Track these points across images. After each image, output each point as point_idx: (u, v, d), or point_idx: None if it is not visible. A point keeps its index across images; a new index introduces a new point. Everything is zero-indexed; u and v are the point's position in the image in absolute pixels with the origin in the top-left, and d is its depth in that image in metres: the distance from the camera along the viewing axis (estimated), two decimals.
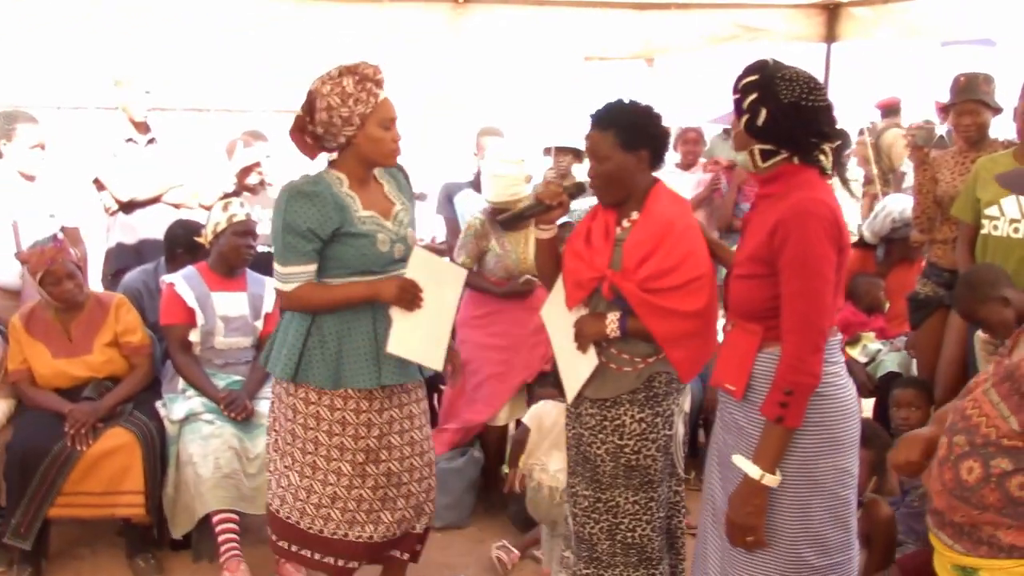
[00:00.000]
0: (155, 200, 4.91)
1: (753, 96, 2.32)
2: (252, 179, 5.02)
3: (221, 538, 3.59)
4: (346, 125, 2.75)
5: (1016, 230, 3.65)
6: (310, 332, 2.85)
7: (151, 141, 4.99)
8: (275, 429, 2.98)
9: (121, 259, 4.89)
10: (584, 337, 2.80)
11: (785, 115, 2.31)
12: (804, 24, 5.27)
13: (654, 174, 2.85)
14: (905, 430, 3.72)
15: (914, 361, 4.47)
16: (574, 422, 2.92)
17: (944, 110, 4.22)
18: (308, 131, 2.83)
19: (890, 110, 8.40)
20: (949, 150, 4.21)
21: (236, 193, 4.86)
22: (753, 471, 2.32)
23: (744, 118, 2.35)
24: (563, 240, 2.97)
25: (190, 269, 3.99)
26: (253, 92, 9.69)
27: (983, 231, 3.76)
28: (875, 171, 7.77)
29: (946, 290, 4.07)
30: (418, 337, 2.88)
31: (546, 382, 4.14)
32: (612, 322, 2.75)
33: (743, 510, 2.34)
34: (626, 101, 2.80)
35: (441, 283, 2.90)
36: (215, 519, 3.60)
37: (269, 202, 5.02)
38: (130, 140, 4.94)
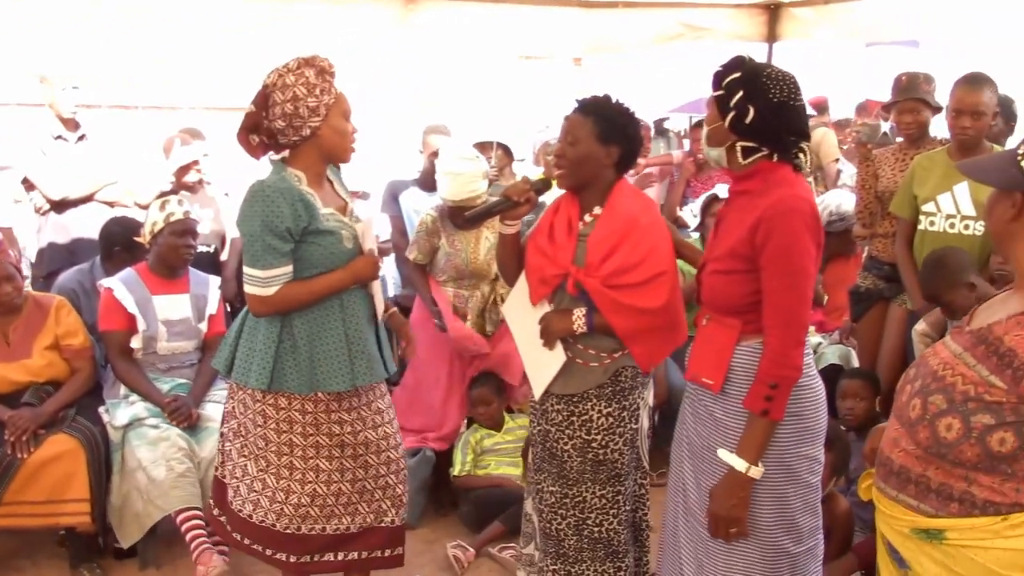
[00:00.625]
0: (88, 199, 4.76)
1: (740, 94, 2.34)
2: (191, 177, 4.91)
3: (189, 535, 3.50)
4: (312, 116, 2.68)
5: (952, 226, 3.77)
6: (281, 338, 2.77)
7: (82, 138, 4.84)
8: (241, 435, 2.89)
9: (54, 260, 4.73)
10: (551, 334, 2.80)
11: (773, 114, 2.34)
12: (747, 23, 5.37)
13: None
14: (851, 420, 3.83)
15: (854, 353, 4.58)
16: (540, 418, 2.92)
17: (886, 108, 4.33)
18: (263, 128, 2.73)
19: (818, 108, 8.59)
20: (890, 147, 4.33)
21: (173, 191, 4.74)
22: (739, 464, 2.35)
23: (730, 115, 2.37)
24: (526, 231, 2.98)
25: (129, 272, 3.87)
26: (184, 89, 9.48)
27: (920, 227, 3.87)
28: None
29: (886, 283, 4.18)
30: (379, 293, 2.97)
31: (481, 383, 4.16)
32: (579, 318, 2.76)
33: (728, 503, 2.38)
34: (613, 98, 2.82)
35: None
36: (180, 518, 3.51)
37: (207, 201, 4.95)
38: (59, 137, 4.77)
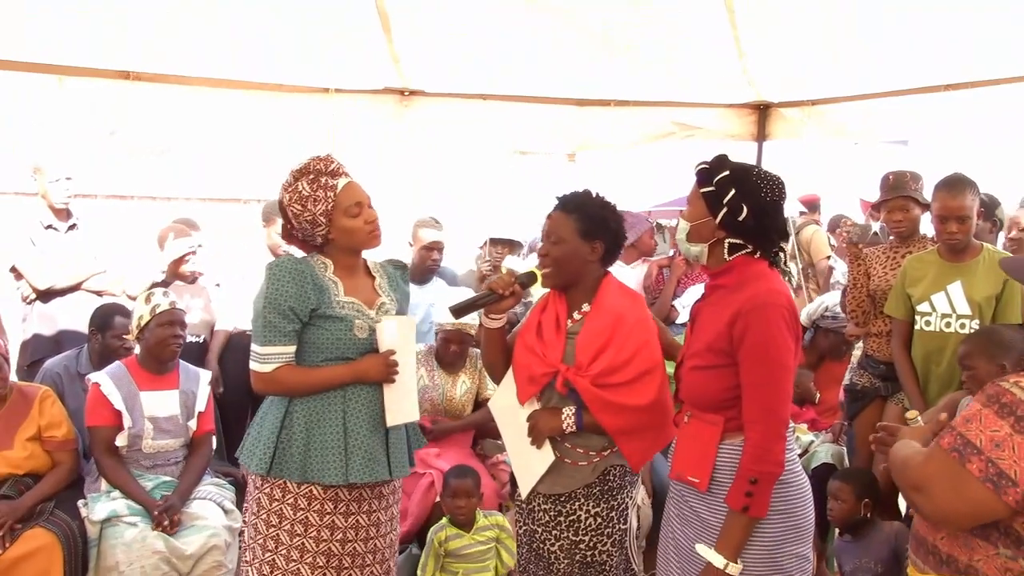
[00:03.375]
0: (75, 288, 4.74)
1: (732, 192, 2.37)
2: (188, 266, 4.90)
3: None
4: (315, 227, 2.74)
5: (948, 325, 3.76)
6: (283, 424, 2.75)
7: (72, 227, 4.84)
8: (245, 521, 2.89)
9: (38, 350, 4.68)
10: (540, 433, 2.76)
11: (764, 213, 2.38)
12: (737, 123, 5.46)
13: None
14: (830, 520, 3.76)
15: (845, 453, 4.52)
16: (526, 518, 2.87)
17: (875, 207, 4.37)
18: (295, 237, 2.84)
19: (810, 206, 8.71)
20: (881, 245, 4.34)
21: (165, 283, 4.74)
22: (718, 560, 2.31)
23: (722, 212, 2.38)
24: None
25: (117, 366, 3.82)
26: (180, 180, 9.59)
27: (916, 327, 3.86)
28: (798, 266, 8.00)
29: (882, 381, 4.15)
30: (404, 397, 2.85)
31: (464, 475, 4.04)
32: (568, 417, 2.73)
33: None
34: (593, 193, 2.84)
35: (405, 341, 2.86)
36: None
37: (198, 291, 4.93)
38: (50, 227, 4.77)
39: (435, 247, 5.09)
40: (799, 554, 2.39)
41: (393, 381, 2.79)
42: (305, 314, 2.71)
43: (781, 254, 2.45)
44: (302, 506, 2.76)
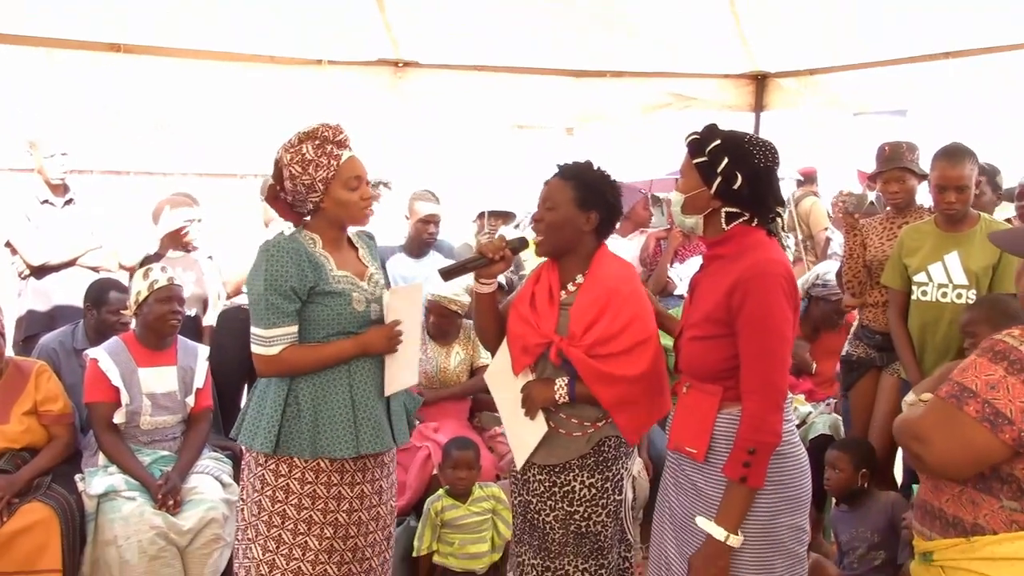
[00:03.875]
0: (70, 263, 4.73)
1: (726, 160, 2.35)
2: (188, 236, 4.89)
3: None
4: (311, 192, 2.73)
5: (944, 295, 3.75)
6: (287, 402, 2.75)
7: (68, 202, 4.82)
8: (243, 499, 2.88)
9: (33, 326, 4.67)
10: (533, 403, 2.76)
11: (759, 179, 2.36)
12: (734, 93, 5.43)
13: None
14: (829, 489, 3.77)
15: (841, 423, 4.53)
16: (520, 489, 2.87)
17: (872, 178, 4.35)
18: (280, 199, 2.81)
19: (808, 179, 8.69)
20: (877, 216, 4.33)
21: (159, 255, 4.73)
22: (718, 532, 2.30)
23: (717, 182, 2.37)
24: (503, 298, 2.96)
25: (115, 341, 3.81)
26: (177, 155, 9.54)
27: (913, 297, 3.86)
28: (797, 237, 8.00)
29: (878, 352, 4.15)
30: (404, 366, 2.87)
31: (464, 447, 4.05)
32: (561, 388, 2.72)
33: (707, 572, 2.32)
34: (594, 165, 2.82)
35: (413, 308, 2.88)
36: None
37: (190, 264, 4.92)
38: (46, 202, 4.75)
39: (431, 220, 5.08)
40: (795, 525, 2.39)
41: (394, 351, 2.80)
42: (305, 292, 2.70)
43: (779, 220, 2.43)
44: (309, 479, 2.77)
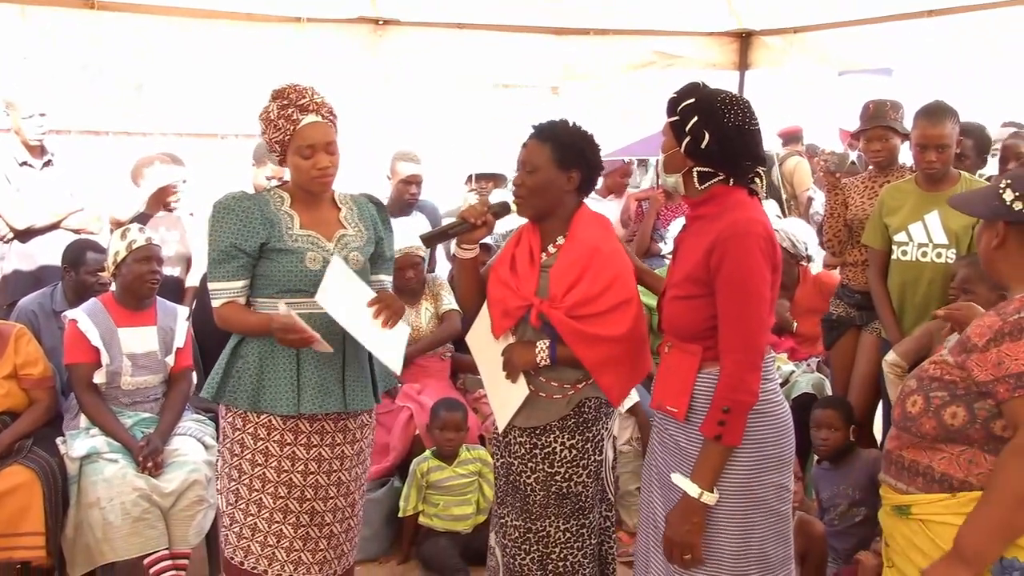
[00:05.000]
0: (54, 226, 4.68)
1: (695, 119, 2.33)
2: (173, 199, 4.86)
3: None
4: (272, 151, 2.76)
5: (924, 254, 3.76)
6: (236, 353, 2.79)
7: (47, 164, 4.75)
8: (219, 451, 2.94)
9: (19, 288, 4.62)
10: (513, 367, 2.76)
11: (728, 138, 2.34)
12: (718, 52, 5.39)
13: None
14: (824, 451, 3.78)
15: (827, 382, 4.55)
16: (502, 451, 2.88)
17: (855, 136, 4.34)
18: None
19: (791, 138, 8.66)
20: (859, 175, 4.32)
21: (147, 215, 4.69)
22: (692, 489, 2.32)
23: (686, 140, 2.35)
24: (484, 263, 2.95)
25: (94, 302, 3.78)
26: (155, 115, 9.41)
27: (893, 256, 3.86)
28: (781, 197, 7.99)
29: (858, 311, 4.16)
30: (385, 343, 2.73)
31: (452, 408, 4.05)
32: (542, 351, 2.72)
33: (681, 528, 2.35)
34: (570, 122, 2.79)
35: (351, 288, 2.74)
36: (147, 562, 3.45)
37: (174, 222, 4.89)
38: (25, 163, 4.69)
39: (413, 180, 5.06)
40: (778, 483, 2.40)
41: (292, 347, 2.70)
42: (253, 249, 2.71)
43: (758, 180, 2.42)
44: (261, 436, 2.79)
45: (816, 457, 3.93)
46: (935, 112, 3.65)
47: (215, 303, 2.76)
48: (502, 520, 2.87)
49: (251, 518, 2.81)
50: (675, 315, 2.45)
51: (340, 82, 4.36)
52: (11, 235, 4.66)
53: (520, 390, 2.76)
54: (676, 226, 5.24)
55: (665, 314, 2.51)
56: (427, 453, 4.02)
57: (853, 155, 5.19)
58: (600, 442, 2.80)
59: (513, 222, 3.07)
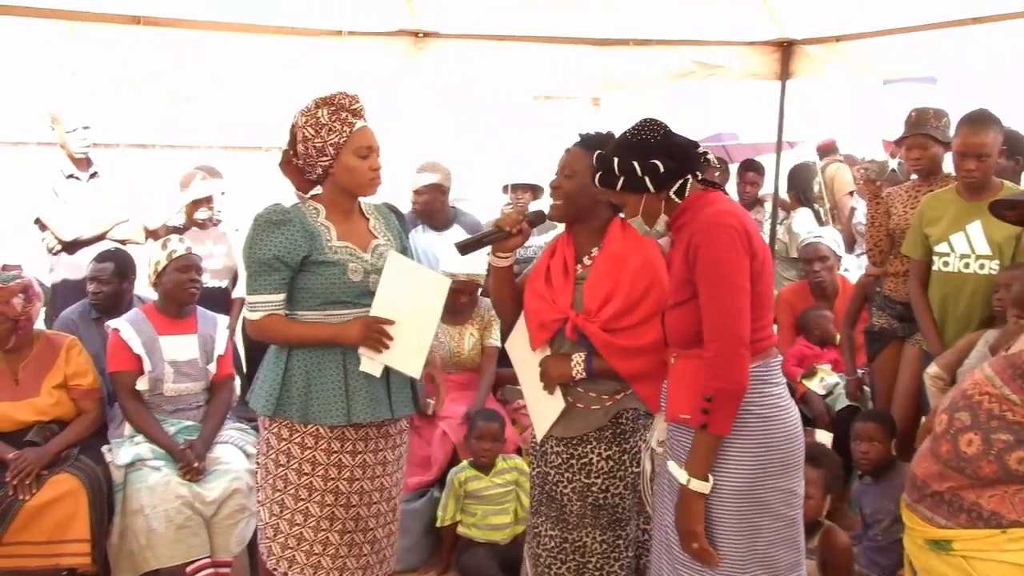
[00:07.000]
0: (100, 237, 4.77)
1: (636, 163, 2.39)
2: (201, 214, 4.93)
3: None
4: (321, 156, 2.75)
5: (967, 265, 3.69)
6: (286, 367, 2.80)
7: (94, 176, 4.85)
8: (258, 462, 2.95)
9: (67, 298, 4.68)
10: (550, 379, 2.77)
11: (666, 150, 2.40)
12: (759, 61, 5.33)
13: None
14: (865, 465, 3.73)
15: (869, 394, 4.50)
16: (539, 460, 2.88)
17: (897, 143, 4.29)
18: (292, 164, 2.85)
19: (828, 150, 8.59)
20: (903, 184, 4.27)
21: (182, 229, 4.76)
22: (680, 476, 2.34)
23: (648, 182, 2.40)
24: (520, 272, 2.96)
25: (136, 312, 3.87)
26: (201, 128, 9.55)
27: (934, 267, 3.80)
28: (824, 206, 7.90)
29: (900, 322, 4.11)
30: (408, 351, 2.80)
31: (490, 418, 4.05)
32: (578, 363, 2.73)
33: (681, 517, 2.36)
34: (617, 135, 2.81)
35: (422, 291, 2.81)
36: (190, 570, 3.50)
37: (220, 237, 4.96)
38: (71, 176, 4.78)
39: (426, 191, 4.95)
40: (784, 488, 2.39)
41: (374, 349, 2.74)
42: (295, 262, 2.73)
43: (709, 156, 2.46)
44: (309, 445, 2.80)
45: (859, 472, 3.88)
46: (977, 120, 3.60)
47: (253, 315, 2.77)
48: (536, 530, 2.87)
49: (297, 527, 2.82)
50: (672, 323, 2.48)
51: (380, 94, 4.37)
52: (59, 247, 4.75)
53: (557, 402, 2.77)
54: None
55: (666, 325, 2.53)
56: (464, 463, 4.03)
57: (893, 163, 5.10)
58: (637, 453, 2.79)
59: (550, 234, 3.08)
